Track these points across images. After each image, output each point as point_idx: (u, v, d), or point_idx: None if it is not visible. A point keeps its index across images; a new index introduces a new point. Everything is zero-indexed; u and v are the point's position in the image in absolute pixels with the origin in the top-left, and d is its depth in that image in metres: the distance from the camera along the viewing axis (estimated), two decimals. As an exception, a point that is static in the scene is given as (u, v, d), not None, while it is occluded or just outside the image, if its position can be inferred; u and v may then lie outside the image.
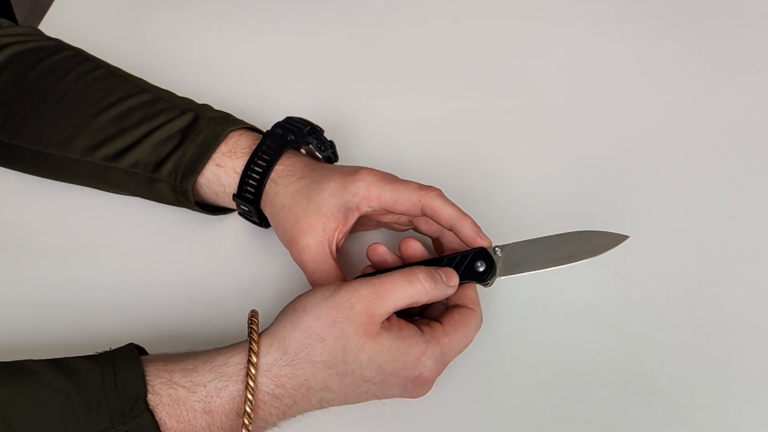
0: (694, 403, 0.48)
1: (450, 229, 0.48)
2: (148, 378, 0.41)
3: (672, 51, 0.69)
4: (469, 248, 0.47)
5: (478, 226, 0.47)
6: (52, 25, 0.70)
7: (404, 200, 0.48)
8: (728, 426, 0.48)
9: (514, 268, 0.47)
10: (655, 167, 0.60)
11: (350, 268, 0.54)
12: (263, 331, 0.44)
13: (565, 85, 0.66)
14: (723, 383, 0.49)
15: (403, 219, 0.51)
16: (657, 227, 0.57)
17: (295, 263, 0.50)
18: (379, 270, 0.48)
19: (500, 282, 0.47)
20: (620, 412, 0.48)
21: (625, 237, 0.48)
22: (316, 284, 0.48)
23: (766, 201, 0.58)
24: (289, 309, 0.44)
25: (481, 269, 0.46)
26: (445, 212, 0.47)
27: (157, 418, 0.40)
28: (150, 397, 0.40)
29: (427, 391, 0.45)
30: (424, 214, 0.48)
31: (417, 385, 0.44)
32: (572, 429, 0.48)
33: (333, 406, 0.44)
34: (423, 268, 0.44)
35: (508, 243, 0.48)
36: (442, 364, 0.44)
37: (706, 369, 0.50)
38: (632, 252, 0.53)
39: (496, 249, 0.47)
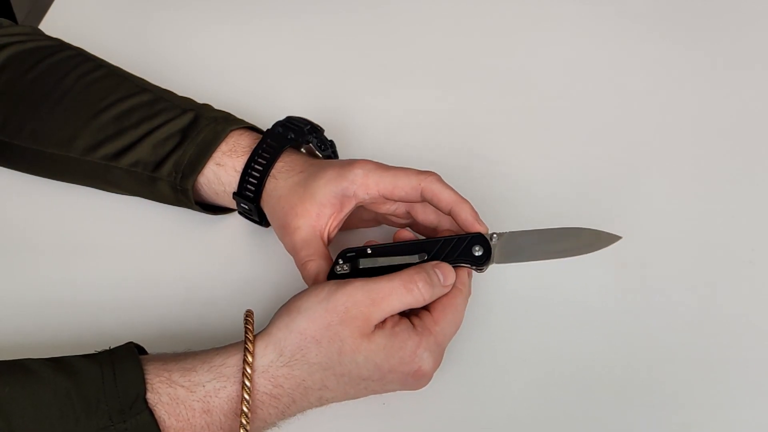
0: (694, 403, 0.48)
1: (449, 213, 0.48)
2: (147, 377, 0.41)
3: (673, 51, 0.68)
4: (466, 233, 0.47)
5: (476, 212, 0.47)
6: (52, 25, 0.70)
7: (403, 185, 0.48)
8: (728, 426, 0.48)
9: (509, 257, 0.48)
10: (655, 167, 0.60)
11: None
12: (259, 332, 0.43)
13: (565, 85, 0.66)
14: (723, 383, 0.49)
15: (401, 210, 0.51)
16: (657, 227, 0.56)
17: (292, 259, 0.50)
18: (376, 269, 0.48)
19: (498, 279, 0.47)
20: (619, 411, 0.48)
21: (618, 237, 0.48)
22: (301, 261, 0.48)
23: (766, 201, 0.58)
24: (283, 311, 0.44)
25: (479, 253, 0.47)
26: (445, 195, 0.47)
27: (157, 417, 0.40)
28: (149, 396, 0.40)
29: (427, 383, 0.45)
30: (423, 199, 0.48)
31: (416, 378, 0.44)
32: (571, 427, 0.48)
33: (333, 402, 0.44)
34: (422, 275, 0.44)
35: (504, 231, 0.48)
36: (439, 353, 0.44)
37: (706, 369, 0.50)
38: (632, 251, 0.54)
39: (493, 236, 0.47)
